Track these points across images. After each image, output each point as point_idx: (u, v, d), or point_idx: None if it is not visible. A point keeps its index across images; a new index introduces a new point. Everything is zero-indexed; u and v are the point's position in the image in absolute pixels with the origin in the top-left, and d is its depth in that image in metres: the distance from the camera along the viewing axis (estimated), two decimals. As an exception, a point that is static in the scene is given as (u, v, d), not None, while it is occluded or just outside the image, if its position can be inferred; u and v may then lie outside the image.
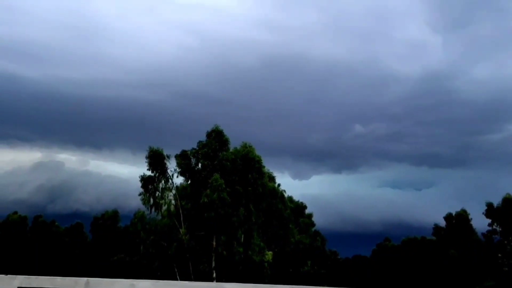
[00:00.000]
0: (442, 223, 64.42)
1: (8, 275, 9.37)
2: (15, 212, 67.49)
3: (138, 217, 54.27)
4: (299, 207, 62.77)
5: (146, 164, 43.06)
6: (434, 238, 65.18)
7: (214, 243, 40.72)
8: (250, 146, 41.80)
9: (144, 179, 43.16)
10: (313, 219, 65.15)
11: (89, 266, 62.14)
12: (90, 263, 62.55)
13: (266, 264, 41.92)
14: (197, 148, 43.10)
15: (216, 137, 42.47)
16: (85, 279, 7.93)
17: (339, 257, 78.50)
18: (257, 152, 42.12)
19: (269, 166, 44.80)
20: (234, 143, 43.49)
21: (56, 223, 68.32)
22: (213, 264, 40.33)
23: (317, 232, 65.27)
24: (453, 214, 63.40)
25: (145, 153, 43.37)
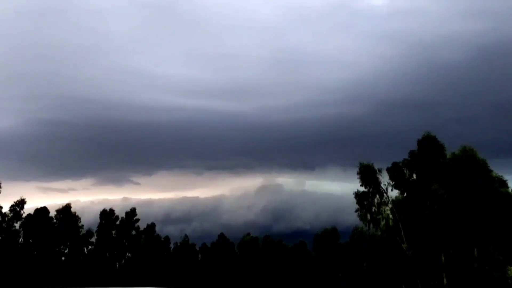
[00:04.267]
0: None
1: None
2: (248, 234, 75.85)
3: (357, 233, 54.35)
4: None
5: (358, 180, 43.06)
6: None
7: (443, 258, 37.52)
8: (471, 149, 37.50)
9: (358, 195, 43.14)
10: None
11: (315, 282, 64.71)
12: (316, 279, 65.06)
13: (509, 281, 36.35)
14: (409, 158, 40.96)
15: (429, 144, 39.60)
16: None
17: None
18: (481, 154, 37.52)
19: (497, 169, 39.17)
20: (451, 148, 39.82)
21: (283, 242, 73.90)
22: (445, 281, 37.08)
23: None
24: None
25: (356, 169, 43.51)
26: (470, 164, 36.33)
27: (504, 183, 41.04)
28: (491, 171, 36.95)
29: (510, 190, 42.15)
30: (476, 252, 36.69)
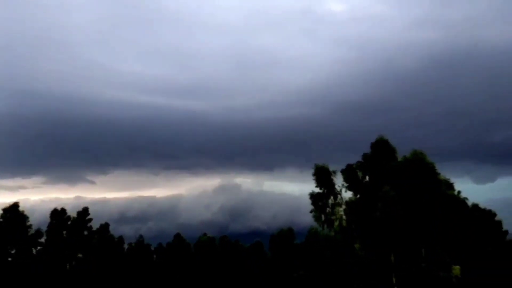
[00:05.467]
0: None
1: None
2: (205, 234, 75.36)
3: (312, 233, 55.22)
4: (487, 215, 55.69)
5: (314, 181, 43.73)
6: None
7: (393, 258, 38.69)
8: (421, 153, 38.84)
9: (313, 196, 43.78)
10: (507, 226, 57.17)
11: (270, 282, 65.13)
12: (271, 280, 65.50)
13: (454, 279, 37.97)
14: (363, 161, 41.97)
15: (381, 147, 40.74)
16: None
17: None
18: (430, 158, 38.93)
19: (445, 172, 40.74)
20: (403, 152, 41.10)
21: (240, 242, 73.91)
22: (394, 281, 38.25)
23: (512, 242, 56.82)
24: None
25: (312, 170, 44.14)
26: (419, 167, 37.63)
27: (451, 186, 42.86)
28: (439, 174, 38.38)
29: (456, 193, 44.12)
30: (423, 253, 38.05)
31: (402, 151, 41.51)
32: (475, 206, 51.05)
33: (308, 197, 44.70)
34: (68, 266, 65.50)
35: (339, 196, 43.06)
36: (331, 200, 43.29)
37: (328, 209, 42.97)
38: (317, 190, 43.80)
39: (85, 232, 66.82)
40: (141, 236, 72.30)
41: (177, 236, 72.98)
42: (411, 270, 37.30)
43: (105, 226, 69.15)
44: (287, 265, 63.09)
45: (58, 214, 66.27)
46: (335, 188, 43.06)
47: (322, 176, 42.76)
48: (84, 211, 67.48)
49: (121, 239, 69.88)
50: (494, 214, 56.37)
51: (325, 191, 42.97)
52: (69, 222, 66.30)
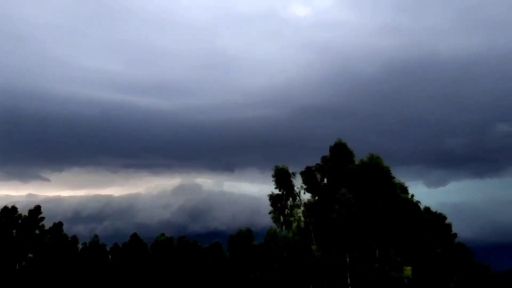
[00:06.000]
0: None
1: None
2: (163, 234, 74.30)
3: (270, 234, 55.61)
4: (438, 218, 58.04)
5: (273, 182, 44.12)
6: None
7: (348, 258, 39.60)
8: (377, 157, 40.05)
9: (272, 198, 44.16)
10: (456, 230, 59.73)
11: (229, 283, 65.07)
12: (230, 281, 65.46)
13: (405, 280, 39.29)
14: (322, 164, 42.73)
15: (340, 150, 41.66)
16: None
17: (491, 272, 70.22)
18: (386, 162, 40.16)
19: (400, 176, 42.26)
20: (361, 155, 42.20)
21: (198, 243, 73.36)
22: (349, 281, 39.14)
23: (461, 244, 59.48)
24: None
25: (272, 172, 44.52)
26: (376, 171, 38.77)
27: (405, 189, 44.37)
28: (394, 178, 39.67)
29: (410, 196, 45.67)
30: (377, 253, 39.17)
31: (360, 154, 42.63)
32: (427, 209, 53.03)
33: (267, 198, 45.08)
34: (17, 266, 62.89)
35: (298, 197, 43.64)
36: (290, 202, 43.80)
37: (287, 211, 43.46)
38: (277, 191, 44.23)
39: (37, 231, 64.36)
40: (96, 236, 70.35)
41: (134, 236, 71.52)
42: (365, 270, 38.32)
43: (58, 225, 66.78)
44: (245, 266, 63.20)
45: (8, 212, 63.49)
46: (294, 190, 43.60)
47: (282, 177, 43.22)
48: (36, 210, 64.95)
49: (75, 238, 67.69)
50: (445, 218, 58.81)
51: (284, 192, 43.44)
52: (19, 221, 63.67)
